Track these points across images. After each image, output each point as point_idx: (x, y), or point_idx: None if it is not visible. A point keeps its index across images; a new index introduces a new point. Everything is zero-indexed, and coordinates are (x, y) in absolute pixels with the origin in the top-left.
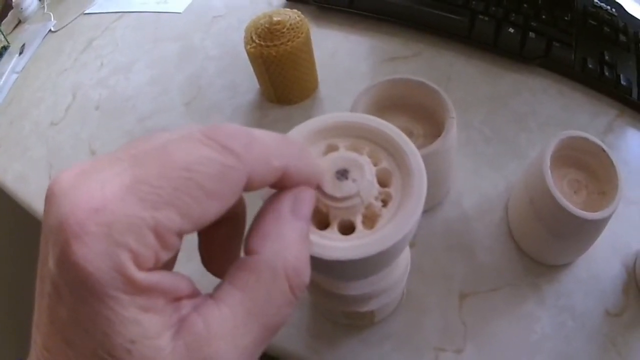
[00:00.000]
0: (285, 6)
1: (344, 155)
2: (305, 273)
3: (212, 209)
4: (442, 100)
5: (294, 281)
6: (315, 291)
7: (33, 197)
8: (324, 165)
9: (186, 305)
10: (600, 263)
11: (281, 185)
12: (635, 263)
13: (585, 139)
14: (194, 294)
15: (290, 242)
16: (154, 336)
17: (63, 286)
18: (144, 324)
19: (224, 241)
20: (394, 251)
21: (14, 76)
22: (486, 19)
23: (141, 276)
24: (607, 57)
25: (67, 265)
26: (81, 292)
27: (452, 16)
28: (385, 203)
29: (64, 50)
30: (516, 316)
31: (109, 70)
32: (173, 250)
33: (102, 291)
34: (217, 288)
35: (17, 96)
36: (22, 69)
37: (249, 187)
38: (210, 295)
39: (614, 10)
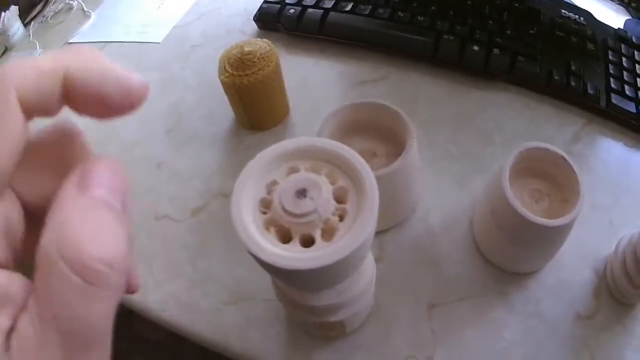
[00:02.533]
0: (258, 35)
1: (303, 175)
2: (96, 249)
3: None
4: (403, 121)
5: (78, 267)
6: (288, 304)
7: None
8: (285, 185)
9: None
10: (568, 269)
11: (75, 95)
12: (606, 267)
13: (545, 149)
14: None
15: (69, 218)
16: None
17: None
18: None
19: None
20: (352, 260)
21: None
22: (451, 38)
23: None
24: (573, 67)
25: None
26: None
27: (418, 37)
28: (341, 218)
29: None
30: (485, 323)
31: None
32: None
33: None
34: None
35: None
36: None
37: (29, 104)
38: None
39: (582, 18)
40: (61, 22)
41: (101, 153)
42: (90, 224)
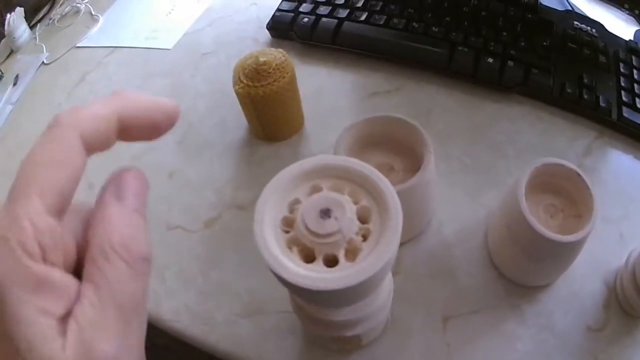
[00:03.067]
0: (271, 43)
1: (326, 195)
2: (135, 246)
3: (62, 178)
4: (421, 135)
5: (125, 255)
6: (306, 319)
7: None
8: (309, 205)
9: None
10: (579, 281)
11: (130, 130)
12: (616, 279)
13: (561, 165)
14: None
15: (114, 223)
16: (47, 342)
17: None
18: (38, 326)
19: None
20: (375, 280)
21: (9, 107)
22: (465, 49)
23: (35, 266)
24: (585, 80)
25: None
26: None
27: (432, 48)
28: (365, 238)
29: (57, 83)
30: (498, 336)
31: None
32: (55, 234)
33: (4, 291)
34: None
35: (13, 128)
36: (17, 100)
37: (91, 142)
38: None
39: (594, 30)
40: (68, 26)
41: (112, 160)
42: (133, 228)
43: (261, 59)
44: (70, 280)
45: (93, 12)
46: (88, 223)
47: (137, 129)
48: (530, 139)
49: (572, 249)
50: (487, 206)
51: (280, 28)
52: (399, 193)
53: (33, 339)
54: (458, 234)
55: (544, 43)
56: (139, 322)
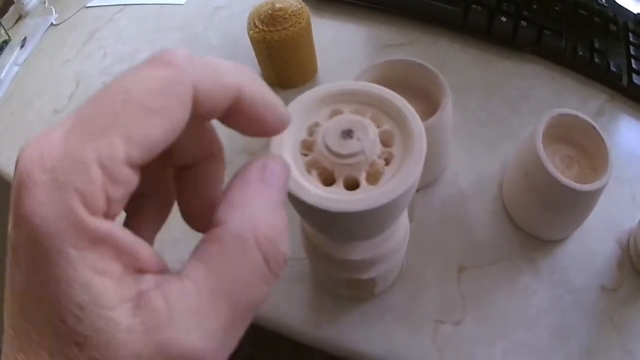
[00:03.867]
0: None
1: (348, 117)
2: (281, 243)
3: (157, 127)
4: (439, 80)
5: (268, 252)
6: (318, 259)
7: None
8: (330, 126)
9: (149, 281)
10: (594, 240)
11: (238, 114)
12: (629, 240)
13: (576, 117)
14: (161, 270)
15: (260, 210)
16: (108, 306)
17: (18, 249)
18: (94, 288)
19: (202, 187)
20: (397, 206)
21: (16, 68)
22: (479, 8)
23: (92, 221)
24: (596, 45)
25: (19, 221)
26: (33, 251)
27: (447, 6)
28: (387, 162)
29: (66, 42)
30: (513, 289)
31: (112, 59)
32: (126, 185)
33: (51, 245)
34: (183, 265)
35: (18, 88)
36: (24, 61)
37: (199, 105)
38: (177, 273)
39: (604, 0)
40: None
41: None
42: (279, 222)
43: (277, 5)
44: (134, 240)
45: None
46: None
47: (245, 118)
48: (544, 97)
49: (589, 199)
50: (502, 158)
51: None
52: None
53: (86, 303)
54: (473, 184)
55: (556, 8)
56: (243, 330)
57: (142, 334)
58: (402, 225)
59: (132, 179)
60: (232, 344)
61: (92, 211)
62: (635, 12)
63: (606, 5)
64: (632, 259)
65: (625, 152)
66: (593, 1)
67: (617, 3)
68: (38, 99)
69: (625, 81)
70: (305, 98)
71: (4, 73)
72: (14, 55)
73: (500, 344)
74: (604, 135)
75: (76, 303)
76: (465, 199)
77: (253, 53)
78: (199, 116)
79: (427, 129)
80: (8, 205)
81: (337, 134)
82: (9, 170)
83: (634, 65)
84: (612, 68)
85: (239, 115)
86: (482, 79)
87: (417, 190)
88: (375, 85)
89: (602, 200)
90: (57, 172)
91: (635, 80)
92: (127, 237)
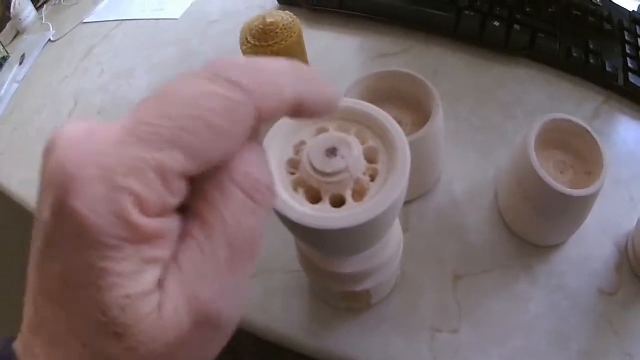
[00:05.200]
0: (278, 9)
1: (333, 135)
2: (260, 174)
3: (220, 149)
4: (428, 89)
5: (246, 185)
6: (313, 272)
7: None
8: (315, 144)
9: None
10: (591, 243)
11: (297, 115)
12: (627, 242)
13: (569, 121)
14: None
15: (241, 158)
16: (151, 291)
17: (57, 237)
18: (142, 278)
19: None
20: (383, 221)
21: (15, 85)
22: (472, 14)
23: (145, 222)
24: (591, 46)
25: (64, 211)
26: (76, 242)
27: (439, 13)
28: (373, 178)
29: (64, 58)
30: (510, 296)
31: (110, 76)
32: (179, 194)
33: (99, 239)
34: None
35: (18, 105)
36: (23, 78)
37: (260, 121)
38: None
39: (598, 0)
40: (75, 4)
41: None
42: (254, 159)
43: (268, 20)
44: (178, 224)
45: None
46: None
47: (300, 112)
48: (538, 101)
49: (583, 204)
50: (496, 165)
51: None
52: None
53: (130, 295)
54: (468, 192)
55: (550, 9)
56: (249, 270)
57: (173, 308)
58: (395, 236)
59: (184, 190)
60: (240, 286)
61: (146, 213)
62: (631, 9)
63: (601, 4)
64: (631, 262)
65: (622, 153)
66: (587, 1)
67: (611, 1)
68: (38, 115)
69: (621, 81)
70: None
71: (3, 90)
72: (13, 72)
73: (497, 351)
74: (598, 139)
75: (124, 294)
76: (460, 207)
77: None
78: (263, 121)
79: (418, 140)
80: (8, 218)
81: (322, 152)
82: (11, 186)
83: (630, 64)
84: (607, 68)
85: (299, 115)
86: (475, 85)
87: (412, 200)
88: (360, 102)
89: (599, 202)
90: (113, 172)
91: (631, 80)
92: (178, 227)
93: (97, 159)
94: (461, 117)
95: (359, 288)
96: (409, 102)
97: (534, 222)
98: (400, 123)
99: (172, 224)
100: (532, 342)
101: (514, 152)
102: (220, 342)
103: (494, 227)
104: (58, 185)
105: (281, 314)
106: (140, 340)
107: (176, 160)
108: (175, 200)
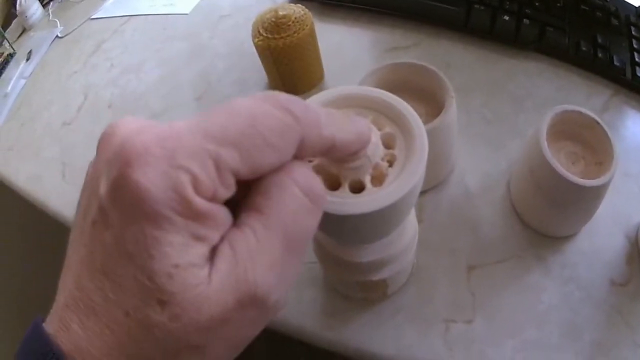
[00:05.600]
0: (290, 2)
1: None
2: (316, 184)
3: (269, 159)
4: (442, 81)
5: (305, 186)
6: (329, 262)
7: (48, 196)
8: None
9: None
10: (602, 235)
11: (329, 154)
12: (637, 234)
13: (579, 112)
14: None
15: (295, 165)
16: (199, 264)
17: (113, 209)
18: (191, 250)
19: None
20: (402, 206)
21: (22, 81)
22: (482, 8)
23: (199, 200)
24: (599, 40)
25: (124, 183)
26: (133, 212)
27: (449, 7)
28: (391, 163)
29: (72, 54)
30: (523, 287)
31: (119, 70)
32: (229, 190)
33: (156, 210)
34: (237, 219)
35: (26, 100)
36: (30, 74)
37: (300, 151)
38: (234, 225)
39: None
40: (82, 0)
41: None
42: (307, 168)
43: (280, 13)
44: (227, 215)
45: None
46: None
47: (336, 156)
48: (548, 94)
49: (595, 194)
50: (509, 157)
51: None
52: None
53: (181, 263)
54: (481, 184)
55: (558, 4)
56: (299, 262)
57: (220, 284)
58: (411, 225)
59: (233, 187)
60: (292, 274)
61: (199, 194)
62: (637, 5)
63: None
64: None
65: (631, 146)
66: None
67: None
68: (46, 111)
69: (629, 75)
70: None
71: (10, 86)
72: (20, 68)
73: (510, 342)
74: (608, 130)
75: (173, 262)
76: (473, 199)
77: (259, 60)
78: (296, 157)
79: (432, 130)
80: (15, 213)
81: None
82: (19, 181)
83: (637, 59)
84: (615, 62)
85: (331, 156)
86: (486, 78)
87: (426, 191)
88: (375, 89)
89: (610, 195)
90: (177, 154)
91: (638, 74)
92: (224, 214)
93: (162, 141)
94: (473, 110)
95: (376, 277)
96: (422, 93)
97: (547, 213)
98: None
99: (220, 211)
100: (544, 333)
101: (526, 144)
102: (260, 324)
103: (506, 218)
104: (122, 161)
105: (295, 306)
106: (184, 308)
107: (232, 158)
108: (225, 192)
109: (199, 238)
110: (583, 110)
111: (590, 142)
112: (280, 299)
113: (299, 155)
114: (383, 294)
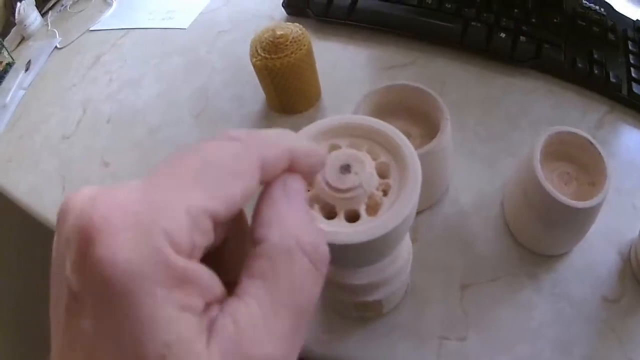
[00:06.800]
0: (287, 20)
1: (345, 152)
2: (322, 246)
3: (236, 187)
4: (437, 103)
5: (312, 254)
6: (327, 283)
7: (47, 209)
8: (329, 162)
9: (214, 309)
10: (595, 252)
11: (292, 168)
12: (630, 250)
13: (573, 133)
14: (222, 296)
15: (294, 220)
16: (191, 340)
17: (84, 293)
18: (180, 324)
19: (229, 265)
20: (396, 234)
21: (21, 92)
22: (478, 25)
23: (180, 261)
24: (596, 56)
25: (91, 263)
26: (107, 294)
27: (445, 24)
28: (385, 193)
29: (71, 66)
30: (515, 304)
31: (118, 84)
32: (208, 235)
33: (133, 286)
34: (238, 286)
35: (25, 112)
36: (29, 85)
37: (266, 172)
38: (234, 294)
39: (602, 10)
40: (81, 11)
41: (128, 134)
42: (314, 227)
43: (278, 32)
44: (211, 275)
45: None
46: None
47: (297, 169)
48: (543, 111)
49: (587, 215)
50: (503, 175)
51: (296, 5)
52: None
53: (173, 340)
54: (475, 202)
55: (555, 20)
56: (306, 330)
57: (221, 354)
58: (405, 247)
59: (211, 233)
60: (299, 344)
61: (178, 252)
62: (635, 19)
63: (605, 14)
64: (634, 270)
65: (625, 162)
66: (592, 11)
67: (616, 11)
68: (45, 123)
69: (625, 91)
70: (303, 135)
71: (9, 97)
72: (19, 78)
73: (503, 358)
74: (601, 150)
75: (163, 342)
76: (467, 217)
77: (256, 78)
78: (266, 179)
79: (427, 153)
80: (15, 225)
81: (336, 169)
82: (18, 193)
83: (633, 74)
84: (611, 79)
85: (294, 169)
86: (481, 96)
87: (421, 212)
88: (369, 118)
89: (603, 211)
90: (142, 215)
91: (635, 90)
92: (207, 275)
93: (120, 207)
94: (468, 128)
95: (371, 298)
96: (417, 114)
97: (539, 232)
98: (409, 135)
99: (204, 271)
100: (537, 349)
101: (520, 164)
102: None
103: (500, 237)
104: (82, 238)
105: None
106: None
107: (201, 199)
108: (204, 239)
109: (184, 308)
110: (577, 131)
111: (583, 162)
112: None
113: (267, 176)
114: (379, 313)
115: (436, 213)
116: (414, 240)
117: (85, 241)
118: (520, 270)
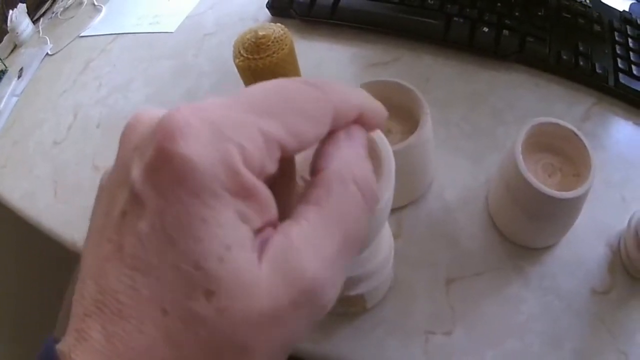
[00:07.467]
0: (271, 21)
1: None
2: (374, 184)
3: (311, 132)
4: (417, 98)
5: (364, 187)
6: None
7: (41, 214)
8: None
9: (268, 231)
10: (583, 245)
11: (360, 122)
12: (619, 242)
13: (557, 124)
14: (276, 221)
15: (352, 157)
16: (249, 248)
17: (150, 191)
18: (240, 232)
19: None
20: (371, 227)
21: (14, 99)
22: (461, 20)
23: (249, 175)
24: (581, 48)
25: (166, 159)
26: (175, 190)
27: (428, 20)
28: None
29: (62, 72)
30: (502, 298)
31: (107, 89)
32: (273, 166)
33: (204, 185)
34: (293, 212)
35: (18, 118)
36: (22, 91)
37: (336, 122)
38: (288, 218)
39: (587, 1)
40: (71, 18)
41: (116, 137)
42: (367, 166)
43: (260, 33)
44: (272, 197)
45: (95, 3)
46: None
47: (362, 123)
48: (529, 105)
49: (572, 206)
50: (488, 170)
51: (280, 6)
52: (396, 153)
53: (233, 244)
54: (459, 198)
55: (539, 13)
56: (350, 260)
57: (271, 271)
58: (385, 242)
59: (277, 164)
60: (341, 273)
61: (248, 168)
62: (621, 9)
63: (590, 5)
64: (624, 262)
65: (613, 154)
66: (577, 2)
67: (601, 2)
68: (38, 129)
69: (612, 82)
70: None
71: (3, 103)
72: (12, 85)
73: (490, 352)
74: (586, 141)
75: (224, 243)
76: (452, 212)
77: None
78: (332, 129)
79: (407, 147)
80: (9, 231)
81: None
82: (13, 200)
83: (620, 65)
84: (597, 70)
85: (360, 122)
86: (466, 91)
87: (404, 207)
88: None
89: (591, 204)
90: (222, 126)
91: (622, 80)
92: (269, 196)
93: (202, 115)
94: (452, 123)
95: (353, 292)
96: (398, 110)
97: (524, 225)
98: (390, 132)
99: (266, 191)
100: (525, 343)
101: (503, 158)
102: (307, 325)
103: (485, 231)
104: (162, 135)
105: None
106: (233, 297)
107: (278, 130)
108: (271, 166)
109: (245, 219)
110: (560, 122)
111: (568, 153)
112: (331, 300)
113: (335, 127)
114: (362, 308)
115: (421, 208)
116: (398, 235)
117: (165, 138)
118: (507, 264)
